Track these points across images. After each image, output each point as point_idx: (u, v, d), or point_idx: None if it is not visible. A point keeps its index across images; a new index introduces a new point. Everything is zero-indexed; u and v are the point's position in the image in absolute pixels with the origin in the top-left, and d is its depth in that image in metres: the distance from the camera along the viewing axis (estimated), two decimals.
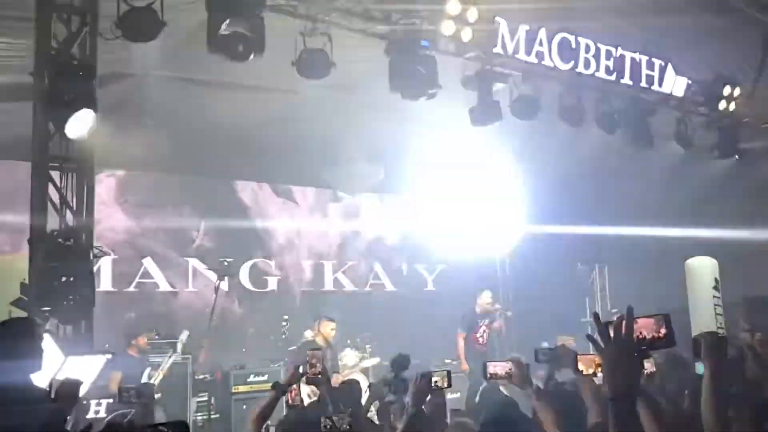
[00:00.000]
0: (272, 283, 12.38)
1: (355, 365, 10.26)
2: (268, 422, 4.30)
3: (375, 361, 10.62)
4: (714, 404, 2.84)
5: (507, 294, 13.98)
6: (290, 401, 5.05)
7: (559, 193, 12.44)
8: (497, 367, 3.68)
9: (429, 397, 4.05)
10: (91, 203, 6.15)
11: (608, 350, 2.04)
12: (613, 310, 12.91)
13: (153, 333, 8.94)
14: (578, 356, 3.49)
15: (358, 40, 7.49)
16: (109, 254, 9.25)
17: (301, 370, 4.32)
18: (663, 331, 2.03)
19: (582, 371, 3.44)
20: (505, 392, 5.90)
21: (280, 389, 4.13)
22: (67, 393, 3.31)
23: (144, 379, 8.21)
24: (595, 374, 3.44)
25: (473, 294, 10.49)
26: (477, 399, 7.01)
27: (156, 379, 8.44)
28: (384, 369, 8.20)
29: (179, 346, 8.94)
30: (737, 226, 11.19)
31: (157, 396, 7.99)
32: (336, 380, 9.10)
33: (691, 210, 11.67)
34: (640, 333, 2.04)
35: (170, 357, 8.89)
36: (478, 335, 9.88)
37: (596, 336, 2.15)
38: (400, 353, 6.90)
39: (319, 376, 4.37)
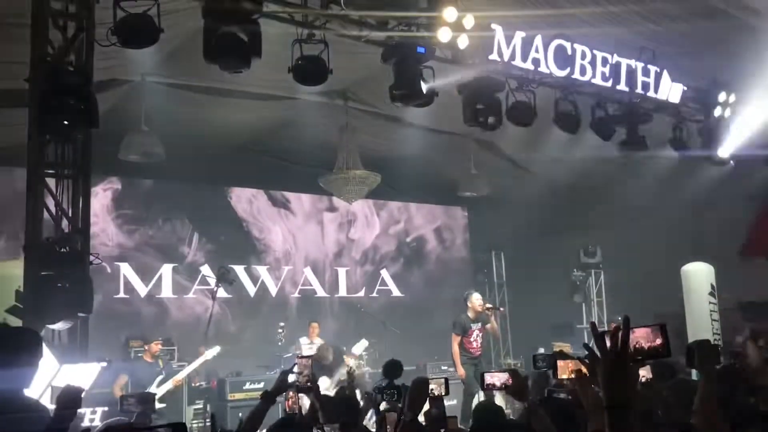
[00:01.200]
0: (268, 291, 12.36)
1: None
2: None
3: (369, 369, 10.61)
4: (708, 411, 2.85)
5: (503, 300, 14.02)
6: (288, 409, 5.01)
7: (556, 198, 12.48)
8: (494, 378, 3.64)
9: (429, 406, 4.03)
10: (86, 210, 6.13)
11: (605, 360, 2.04)
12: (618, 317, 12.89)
13: (160, 341, 8.96)
14: (557, 361, 3.48)
15: (355, 47, 7.50)
16: (101, 263, 9.21)
17: (290, 378, 4.29)
18: (659, 341, 2.03)
19: (564, 378, 3.44)
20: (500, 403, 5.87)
21: (268, 398, 4.10)
22: (68, 400, 3.25)
23: (154, 386, 8.21)
24: (570, 380, 3.43)
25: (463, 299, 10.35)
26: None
27: (164, 389, 8.42)
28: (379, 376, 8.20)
29: (202, 360, 8.87)
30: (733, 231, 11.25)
31: (162, 406, 8.00)
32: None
33: (687, 216, 11.71)
34: (637, 343, 2.04)
35: (187, 367, 8.86)
36: (471, 339, 9.77)
37: (593, 345, 2.16)
38: (393, 359, 6.88)
39: (308, 384, 4.34)
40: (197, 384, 9.34)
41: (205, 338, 9.07)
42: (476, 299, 9.79)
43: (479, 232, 14.87)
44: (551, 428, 3.24)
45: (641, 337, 2.04)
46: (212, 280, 10.44)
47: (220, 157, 10.94)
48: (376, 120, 10.10)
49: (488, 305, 10.15)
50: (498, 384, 3.60)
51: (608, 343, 2.05)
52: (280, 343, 10.50)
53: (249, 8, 6.29)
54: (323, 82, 7.06)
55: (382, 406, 4.71)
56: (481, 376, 3.77)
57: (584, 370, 2.75)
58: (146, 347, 8.72)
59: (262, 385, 9.23)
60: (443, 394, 4.13)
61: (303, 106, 9.33)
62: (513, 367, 9.78)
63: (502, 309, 11.53)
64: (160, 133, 9.02)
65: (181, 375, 8.70)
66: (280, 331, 10.58)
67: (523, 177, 12.28)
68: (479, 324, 9.78)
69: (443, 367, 10.99)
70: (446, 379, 4.19)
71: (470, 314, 9.73)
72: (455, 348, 9.65)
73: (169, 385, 8.46)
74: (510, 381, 3.55)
